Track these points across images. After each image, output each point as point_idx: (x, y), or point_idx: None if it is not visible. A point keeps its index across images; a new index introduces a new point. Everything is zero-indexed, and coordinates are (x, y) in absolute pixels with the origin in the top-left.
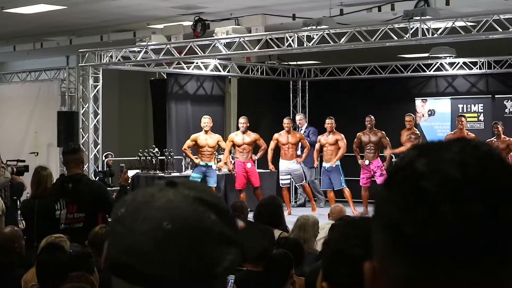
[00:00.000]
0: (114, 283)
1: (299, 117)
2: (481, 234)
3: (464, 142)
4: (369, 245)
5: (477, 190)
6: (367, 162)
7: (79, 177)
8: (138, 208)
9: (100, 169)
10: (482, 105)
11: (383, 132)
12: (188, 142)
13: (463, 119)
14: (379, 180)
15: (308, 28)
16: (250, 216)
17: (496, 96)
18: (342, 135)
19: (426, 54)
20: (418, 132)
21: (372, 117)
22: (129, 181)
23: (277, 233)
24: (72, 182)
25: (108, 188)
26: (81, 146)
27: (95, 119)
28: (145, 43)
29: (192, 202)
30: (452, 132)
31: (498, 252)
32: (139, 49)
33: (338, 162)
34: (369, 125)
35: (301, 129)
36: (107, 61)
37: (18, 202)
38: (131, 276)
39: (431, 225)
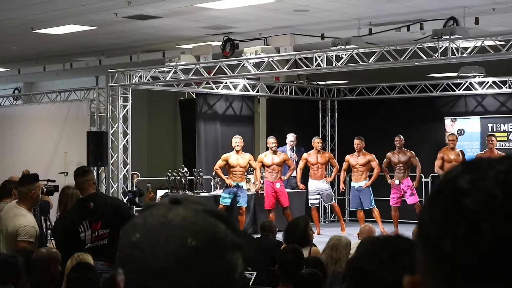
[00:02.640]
0: None
1: (293, 138)
2: None
3: (510, 161)
4: (387, 261)
5: None
6: (397, 181)
7: (97, 195)
8: (155, 231)
9: (129, 189)
10: (511, 124)
11: (412, 152)
12: (220, 162)
13: (493, 138)
14: (409, 200)
15: (337, 47)
16: (279, 236)
17: None
18: (373, 156)
19: (455, 74)
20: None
21: (401, 136)
22: (156, 201)
23: (305, 251)
24: (92, 200)
25: (136, 208)
26: (111, 166)
27: (124, 139)
28: (174, 63)
29: (204, 215)
30: (483, 152)
31: None
32: (168, 69)
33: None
34: (398, 145)
35: (293, 149)
36: (137, 81)
37: (47, 221)
38: None
39: (470, 243)
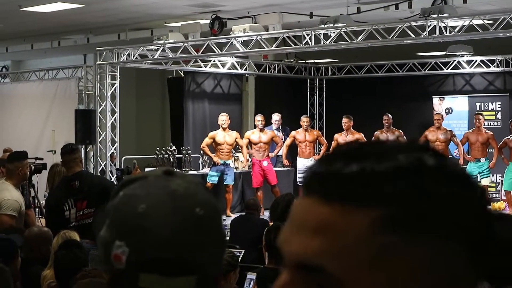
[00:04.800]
0: (144, 280)
1: (278, 117)
2: None
3: None
4: None
5: None
6: None
7: (83, 174)
8: (163, 201)
9: (117, 167)
10: (499, 103)
11: (401, 131)
12: (207, 140)
13: (480, 117)
14: None
15: (325, 26)
16: (266, 214)
17: None
18: (362, 134)
19: (444, 52)
20: (450, 130)
21: (390, 115)
22: None
23: None
24: (78, 179)
25: None
26: (99, 144)
27: (112, 117)
28: (162, 42)
29: (200, 187)
30: (470, 131)
31: None
32: (156, 47)
33: None
34: (386, 124)
35: (279, 129)
36: (125, 59)
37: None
38: (171, 268)
39: None
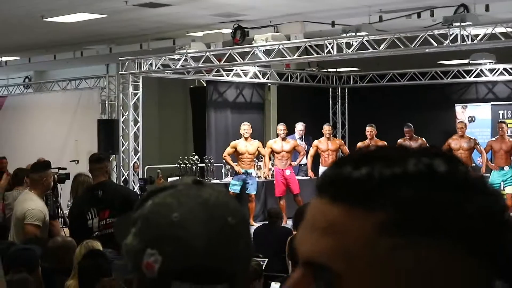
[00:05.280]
0: None
1: (302, 127)
2: None
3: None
4: None
5: None
6: None
7: (107, 183)
8: (196, 210)
9: (140, 176)
10: None
11: (424, 139)
12: (228, 149)
13: (504, 125)
14: None
15: (347, 34)
16: (289, 222)
17: None
18: (385, 143)
19: (466, 61)
20: (473, 138)
21: (411, 125)
22: None
23: None
24: (101, 189)
25: None
26: (122, 153)
27: (135, 127)
28: (184, 51)
29: (229, 196)
30: (494, 139)
31: None
32: (178, 57)
33: None
34: (408, 135)
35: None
36: (147, 69)
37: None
38: (205, 277)
39: None
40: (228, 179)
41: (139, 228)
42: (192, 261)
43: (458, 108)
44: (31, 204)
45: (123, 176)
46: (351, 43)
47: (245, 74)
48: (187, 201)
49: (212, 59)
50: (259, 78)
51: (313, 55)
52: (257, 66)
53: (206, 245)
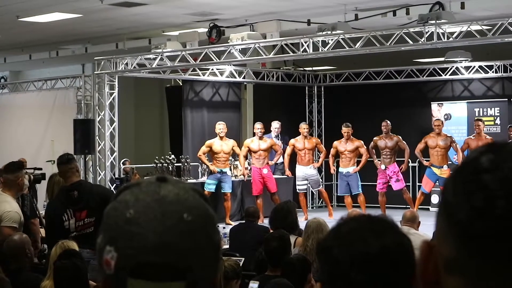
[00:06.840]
0: (132, 285)
1: (278, 125)
2: None
3: None
4: (343, 237)
5: None
6: (383, 167)
7: (82, 183)
8: (151, 207)
9: (116, 176)
10: (498, 108)
11: (399, 137)
12: (203, 149)
13: (480, 123)
14: (394, 186)
15: (323, 33)
16: (266, 221)
17: None
18: (362, 142)
19: (442, 58)
20: (450, 136)
21: (388, 122)
22: None
23: (292, 238)
24: (76, 189)
25: None
26: (98, 153)
27: (111, 126)
28: (160, 50)
29: (192, 193)
30: (471, 137)
31: None
32: (154, 56)
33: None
34: (385, 130)
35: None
36: (123, 69)
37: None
38: (158, 273)
39: (483, 215)
40: (205, 178)
41: (102, 225)
42: (144, 257)
43: (434, 106)
44: (7, 206)
45: (99, 176)
46: (327, 42)
47: (221, 73)
48: (144, 197)
49: (188, 58)
50: (235, 77)
51: (289, 53)
52: (233, 65)
53: (157, 241)
